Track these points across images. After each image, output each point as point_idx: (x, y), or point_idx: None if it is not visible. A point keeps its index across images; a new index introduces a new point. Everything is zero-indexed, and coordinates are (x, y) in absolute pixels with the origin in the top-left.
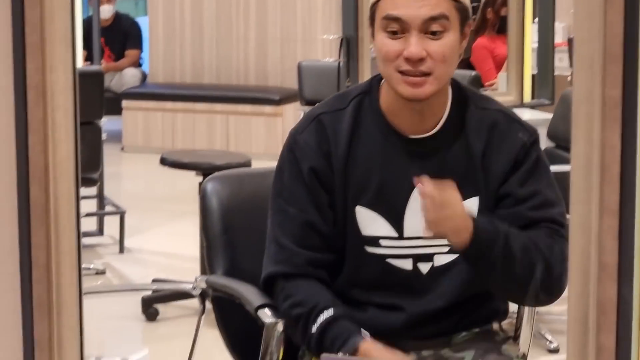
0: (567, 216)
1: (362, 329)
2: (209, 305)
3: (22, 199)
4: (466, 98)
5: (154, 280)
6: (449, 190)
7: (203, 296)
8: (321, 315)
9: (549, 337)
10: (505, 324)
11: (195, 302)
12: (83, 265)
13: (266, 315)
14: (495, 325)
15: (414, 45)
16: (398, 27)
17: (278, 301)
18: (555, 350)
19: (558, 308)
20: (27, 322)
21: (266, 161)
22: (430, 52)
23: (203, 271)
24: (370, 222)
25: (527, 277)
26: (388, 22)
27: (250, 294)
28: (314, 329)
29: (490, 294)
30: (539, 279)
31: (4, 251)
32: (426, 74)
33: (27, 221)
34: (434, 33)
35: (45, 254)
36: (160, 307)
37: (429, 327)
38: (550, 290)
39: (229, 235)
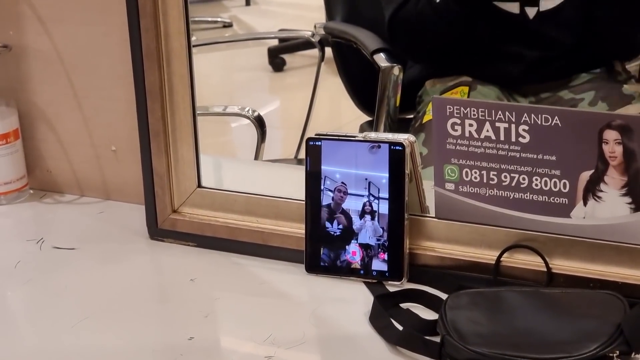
0: None
1: None
2: (330, 53)
3: None
4: None
5: (280, 31)
6: None
7: (322, 43)
8: None
9: None
10: (631, 67)
11: None
12: (210, 19)
13: (382, 59)
14: (618, 66)
15: None
16: None
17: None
18: None
19: None
20: (138, 71)
21: None
22: None
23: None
24: None
25: None
26: None
27: (367, 39)
28: None
29: (607, 34)
30: None
31: (112, 1)
32: None
33: None
34: None
35: (152, 1)
36: (287, 57)
37: (545, 71)
38: None
39: None
